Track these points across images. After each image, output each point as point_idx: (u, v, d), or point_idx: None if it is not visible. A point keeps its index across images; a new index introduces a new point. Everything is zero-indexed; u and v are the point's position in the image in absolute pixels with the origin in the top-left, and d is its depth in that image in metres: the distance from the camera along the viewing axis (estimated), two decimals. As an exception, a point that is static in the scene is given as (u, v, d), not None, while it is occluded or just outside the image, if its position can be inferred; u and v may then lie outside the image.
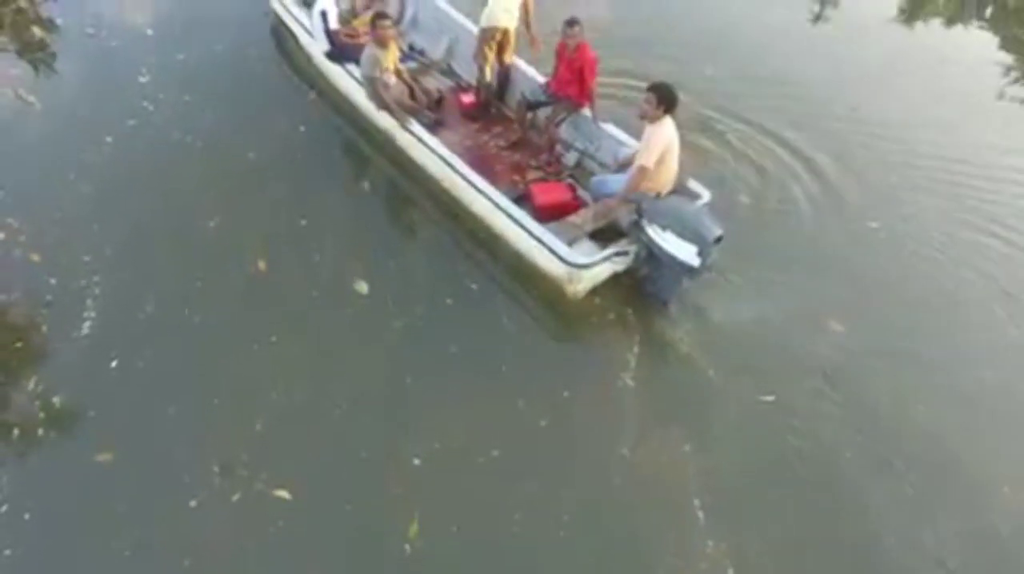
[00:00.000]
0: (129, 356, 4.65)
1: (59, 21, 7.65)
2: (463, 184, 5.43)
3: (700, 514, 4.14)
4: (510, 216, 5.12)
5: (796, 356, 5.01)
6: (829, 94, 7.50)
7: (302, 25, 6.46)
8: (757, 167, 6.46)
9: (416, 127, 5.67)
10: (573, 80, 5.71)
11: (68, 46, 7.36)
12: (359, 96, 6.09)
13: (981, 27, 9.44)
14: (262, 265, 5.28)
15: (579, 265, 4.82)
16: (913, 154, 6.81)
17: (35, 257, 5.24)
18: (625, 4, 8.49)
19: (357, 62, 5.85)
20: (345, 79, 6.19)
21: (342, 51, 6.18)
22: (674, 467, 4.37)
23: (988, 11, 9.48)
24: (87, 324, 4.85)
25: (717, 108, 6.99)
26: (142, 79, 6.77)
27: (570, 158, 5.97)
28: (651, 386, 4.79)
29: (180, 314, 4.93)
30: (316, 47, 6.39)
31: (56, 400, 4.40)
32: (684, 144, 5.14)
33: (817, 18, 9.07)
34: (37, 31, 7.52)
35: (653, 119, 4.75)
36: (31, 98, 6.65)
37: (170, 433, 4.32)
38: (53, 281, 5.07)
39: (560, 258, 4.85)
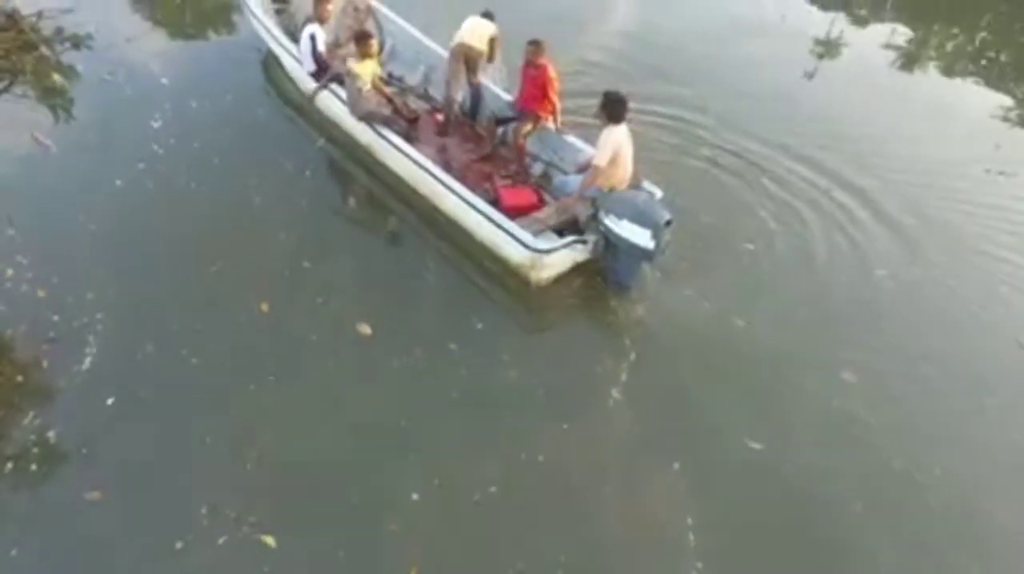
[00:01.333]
0: (125, 395, 4.67)
1: (80, 68, 7.87)
2: (437, 186, 5.83)
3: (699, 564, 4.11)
4: (479, 211, 5.54)
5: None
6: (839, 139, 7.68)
7: (288, 52, 6.91)
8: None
9: (392, 136, 6.09)
10: (537, 96, 6.14)
11: (86, 91, 7.57)
12: (341, 113, 6.52)
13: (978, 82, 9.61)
14: (264, 307, 5.33)
15: (541, 250, 5.25)
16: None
17: (41, 293, 5.30)
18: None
19: (340, 82, 6.30)
20: (328, 98, 6.60)
21: (327, 71, 6.61)
22: (669, 510, 4.39)
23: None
24: (88, 360, 4.89)
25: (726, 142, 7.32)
26: (155, 124, 6.95)
27: (537, 168, 6.38)
28: (647, 419, 4.88)
29: (178, 355, 4.96)
30: (301, 72, 6.85)
31: (51, 435, 4.41)
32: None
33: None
34: (57, 78, 7.71)
35: (602, 124, 5.32)
36: (47, 141, 6.81)
37: (161, 472, 4.31)
38: (56, 318, 5.12)
39: (524, 244, 5.27)
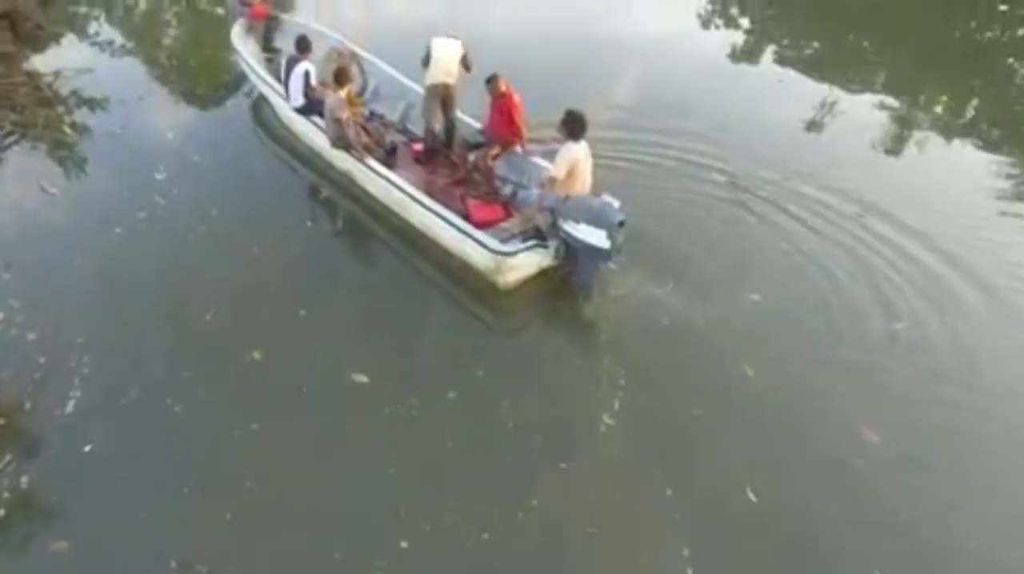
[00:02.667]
0: (104, 442, 4.51)
1: (91, 122, 8.01)
2: (410, 202, 6.19)
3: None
4: (448, 222, 5.90)
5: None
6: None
7: (276, 92, 7.38)
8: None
9: (371, 161, 6.47)
10: (504, 122, 6.50)
11: (96, 144, 7.68)
12: (322, 143, 6.95)
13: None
14: (257, 355, 5.21)
15: (504, 252, 5.60)
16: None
17: (31, 336, 5.21)
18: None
19: (323, 115, 6.73)
20: (312, 130, 7.07)
21: (313, 105, 7.01)
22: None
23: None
24: (71, 404, 4.75)
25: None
26: (158, 176, 7.00)
27: (507, 189, 6.64)
28: (644, 461, 4.71)
29: (162, 402, 4.80)
30: (287, 108, 7.30)
31: (24, 480, 4.23)
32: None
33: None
34: (69, 131, 7.83)
35: (564, 140, 5.60)
36: (53, 189, 6.85)
37: (132, 523, 4.10)
38: (43, 360, 5.02)
39: (489, 248, 5.62)
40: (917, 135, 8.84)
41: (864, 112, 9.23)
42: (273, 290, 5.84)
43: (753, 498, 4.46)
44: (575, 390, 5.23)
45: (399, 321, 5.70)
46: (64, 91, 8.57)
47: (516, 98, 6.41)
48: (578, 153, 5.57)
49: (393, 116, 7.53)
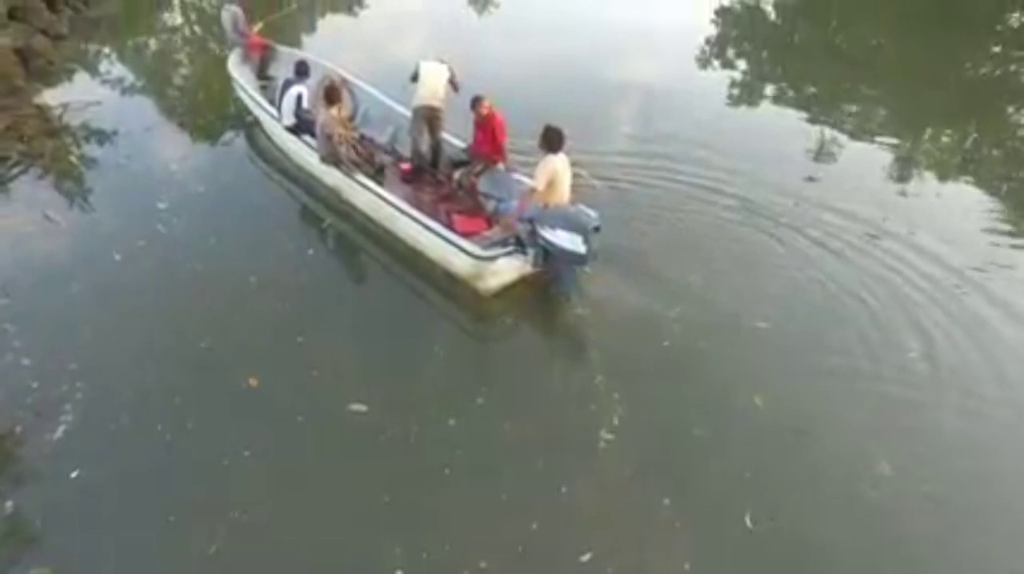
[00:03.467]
0: (91, 468, 4.45)
1: (98, 153, 8.12)
2: (395, 214, 6.38)
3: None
4: (431, 230, 6.07)
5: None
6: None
7: (270, 114, 7.75)
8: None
9: (359, 176, 6.66)
10: (488, 141, 6.79)
11: (101, 174, 7.77)
12: (313, 160, 7.19)
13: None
14: (253, 382, 5.15)
15: (485, 257, 5.75)
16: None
17: (25, 361, 5.20)
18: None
19: (313, 134, 7.00)
20: (302, 148, 7.36)
21: (304, 125, 7.38)
22: None
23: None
24: (61, 429, 4.71)
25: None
26: (160, 205, 7.05)
27: (489, 205, 6.79)
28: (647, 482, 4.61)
29: (153, 429, 4.75)
30: (279, 129, 7.66)
31: (8, 505, 4.17)
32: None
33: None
34: (75, 161, 7.92)
35: (543, 153, 5.82)
36: (57, 217, 6.90)
37: (115, 552, 4.02)
38: (36, 385, 4.99)
39: (469, 254, 5.77)
40: (920, 167, 8.80)
41: (866, 146, 9.23)
42: (272, 317, 5.80)
43: (750, 525, 4.34)
44: (574, 406, 5.16)
45: (396, 345, 5.65)
46: (72, 123, 8.70)
47: (499, 118, 6.71)
48: (556, 165, 5.78)
49: (382, 139, 7.80)
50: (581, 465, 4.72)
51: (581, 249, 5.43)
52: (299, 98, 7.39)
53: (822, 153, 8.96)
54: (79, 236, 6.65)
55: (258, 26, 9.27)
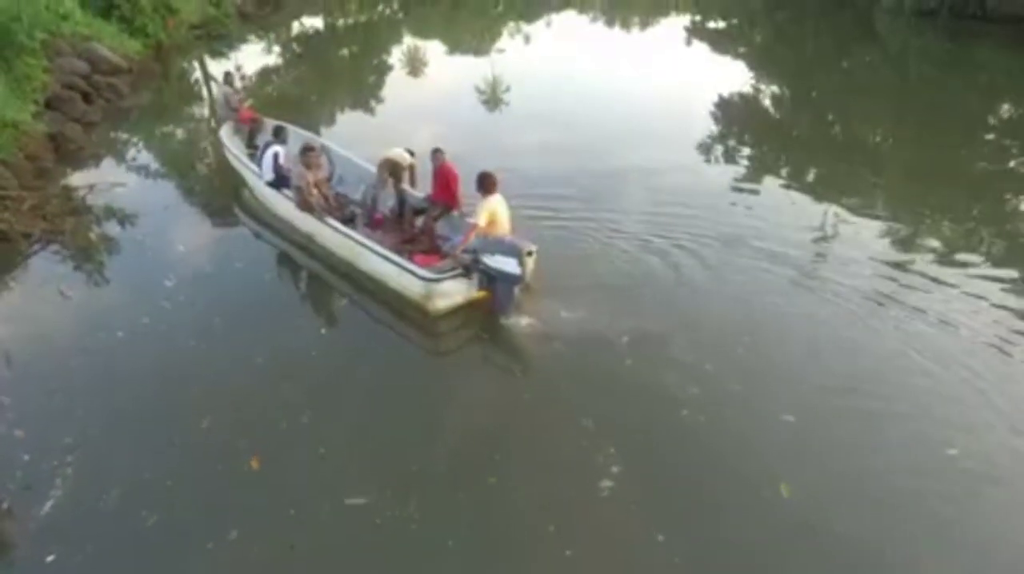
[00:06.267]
0: (68, 551, 4.18)
1: (116, 231, 8.25)
2: (360, 249, 6.98)
3: None
4: (388, 259, 6.68)
5: None
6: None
7: (255, 173, 8.45)
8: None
9: (330, 220, 7.33)
10: (443, 190, 7.49)
11: (116, 251, 7.87)
12: (291, 211, 7.86)
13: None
14: (254, 464, 4.87)
15: (431, 279, 6.36)
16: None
17: (19, 433, 5.05)
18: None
19: (291, 187, 7.72)
20: (282, 201, 8.03)
21: (281, 180, 8.07)
22: None
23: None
24: (48, 505, 4.48)
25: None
26: (167, 283, 7.04)
27: (446, 246, 7.32)
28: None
29: (137, 513, 4.46)
30: (259, 183, 8.35)
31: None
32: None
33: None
34: (93, 239, 8.05)
35: (481, 196, 6.61)
36: (71, 293, 6.93)
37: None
38: (27, 458, 4.82)
39: (418, 276, 6.41)
40: (926, 249, 8.60)
41: (866, 226, 9.09)
42: (277, 396, 5.50)
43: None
44: (571, 456, 5.00)
45: (404, 421, 5.40)
46: (96, 203, 8.90)
47: (451, 170, 7.46)
48: (494, 204, 6.57)
49: (356, 196, 8.45)
50: (585, 521, 4.49)
51: (516, 271, 6.18)
52: (276, 156, 8.18)
53: (825, 225, 8.91)
54: (87, 311, 6.64)
55: (248, 102, 10.18)
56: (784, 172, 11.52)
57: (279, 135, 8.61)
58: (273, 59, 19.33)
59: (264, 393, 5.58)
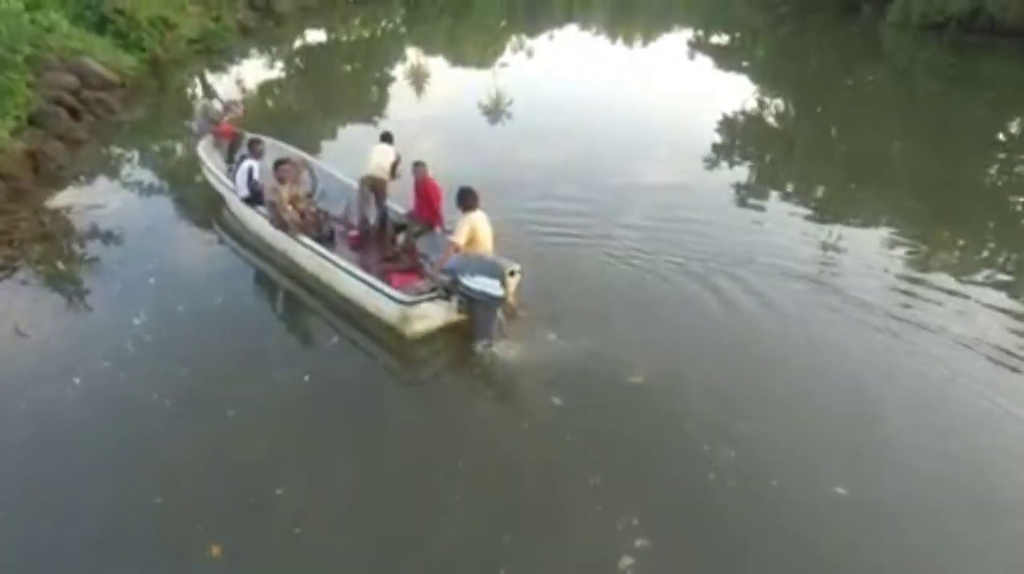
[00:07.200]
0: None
1: (87, 258, 7.46)
2: (334, 269, 6.44)
3: None
4: (363, 281, 6.13)
5: None
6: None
7: (232, 191, 7.88)
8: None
9: (305, 239, 6.76)
10: (425, 205, 6.98)
11: (86, 279, 7.07)
12: (267, 229, 7.26)
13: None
14: (215, 550, 4.02)
15: (407, 302, 5.81)
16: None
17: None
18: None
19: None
20: (258, 218, 7.45)
21: (257, 197, 7.48)
22: None
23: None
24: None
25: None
26: (136, 320, 6.18)
27: (427, 265, 6.93)
28: None
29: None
30: (235, 200, 7.81)
31: None
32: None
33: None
34: (61, 267, 7.24)
35: (461, 212, 6.06)
36: (29, 331, 6.09)
37: None
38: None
39: (394, 299, 5.87)
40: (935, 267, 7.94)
41: (872, 242, 8.49)
42: (247, 463, 4.63)
43: None
44: (583, 526, 4.24)
45: (391, 498, 4.48)
46: (71, 227, 8.11)
47: (433, 184, 6.91)
48: (474, 221, 6.00)
49: (337, 212, 7.91)
50: None
51: (499, 292, 5.57)
52: (250, 171, 7.60)
53: (832, 242, 8.13)
54: (44, 352, 5.77)
55: (229, 116, 9.39)
56: (790, 188, 10.78)
57: (253, 149, 7.99)
58: (275, 73, 18.66)
59: (231, 458, 4.71)
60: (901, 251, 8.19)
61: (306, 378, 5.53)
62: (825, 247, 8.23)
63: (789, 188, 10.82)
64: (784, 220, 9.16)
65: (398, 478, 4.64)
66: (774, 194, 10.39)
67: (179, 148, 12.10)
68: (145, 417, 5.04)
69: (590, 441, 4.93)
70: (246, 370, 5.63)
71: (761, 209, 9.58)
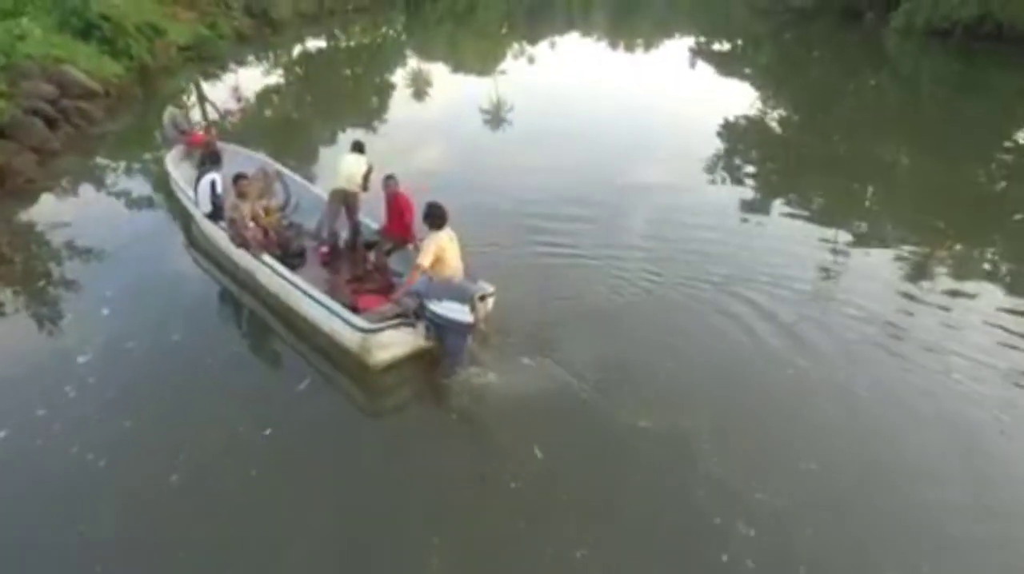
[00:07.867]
0: None
1: (41, 280, 6.76)
2: (293, 291, 5.89)
3: None
4: (321, 304, 5.59)
5: None
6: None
7: (191, 199, 7.34)
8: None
9: (267, 258, 6.23)
10: (397, 220, 6.46)
11: (31, 307, 6.40)
12: (230, 246, 6.63)
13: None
14: None
15: (368, 330, 5.23)
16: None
17: None
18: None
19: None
20: (221, 235, 6.80)
21: (220, 212, 6.80)
22: None
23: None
24: None
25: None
26: (81, 358, 5.44)
27: (398, 282, 6.32)
28: None
29: None
30: (199, 215, 7.19)
31: None
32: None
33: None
34: (9, 295, 6.55)
35: (428, 230, 5.60)
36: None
37: None
38: None
39: (355, 327, 5.29)
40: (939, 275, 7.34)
41: (875, 253, 7.90)
42: (192, 540, 3.89)
43: None
44: None
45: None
46: (28, 247, 7.43)
47: (405, 199, 6.40)
48: (442, 241, 5.54)
49: (309, 225, 7.40)
50: None
51: (468, 318, 5.18)
52: (213, 184, 6.99)
53: (833, 250, 7.40)
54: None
55: (202, 124, 8.84)
56: (793, 198, 10.02)
57: (216, 161, 7.38)
58: (272, 80, 18.04)
59: (177, 531, 3.95)
60: (907, 265, 7.49)
61: (267, 431, 4.73)
62: (840, 268, 7.47)
63: (791, 198, 10.02)
64: (784, 233, 8.45)
65: (360, 555, 3.90)
66: (776, 203, 9.71)
67: (155, 161, 11.37)
68: (76, 482, 4.27)
69: (572, 501, 4.18)
70: (199, 421, 4.84)
71: (763, 224, 8.91)
